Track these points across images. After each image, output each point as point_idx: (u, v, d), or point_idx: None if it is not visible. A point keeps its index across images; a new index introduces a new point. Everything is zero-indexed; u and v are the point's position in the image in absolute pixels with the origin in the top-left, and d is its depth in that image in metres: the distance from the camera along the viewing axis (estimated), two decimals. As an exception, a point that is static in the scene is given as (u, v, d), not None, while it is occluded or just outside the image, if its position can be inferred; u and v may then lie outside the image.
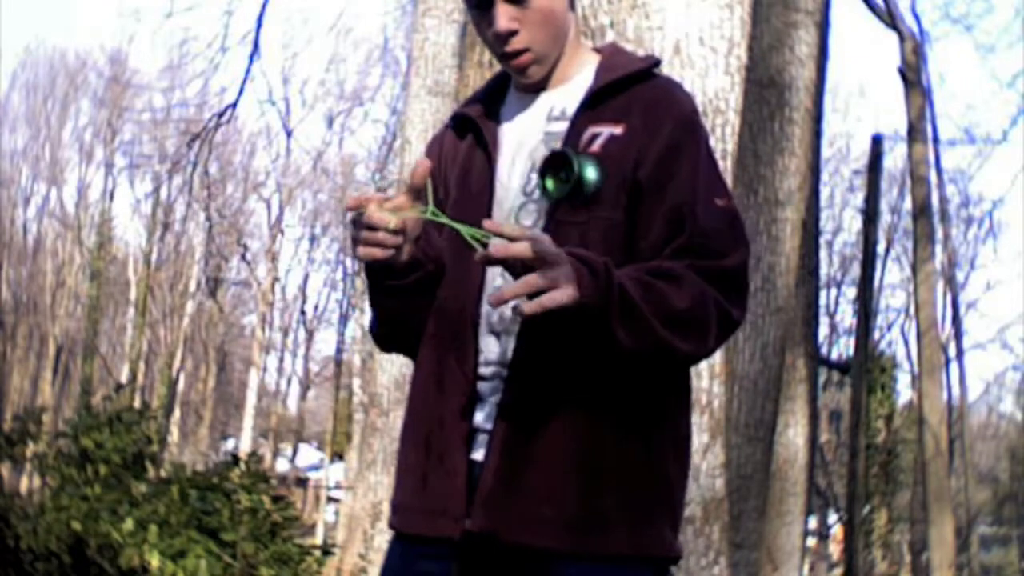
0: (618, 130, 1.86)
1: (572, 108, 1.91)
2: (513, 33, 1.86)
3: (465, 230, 1.70)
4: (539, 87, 1.96)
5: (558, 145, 1.88)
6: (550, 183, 1.73)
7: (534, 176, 1.88)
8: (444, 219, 1.77)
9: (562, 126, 1.90)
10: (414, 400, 1.94)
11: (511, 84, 2.01)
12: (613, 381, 1.80)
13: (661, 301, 1.73)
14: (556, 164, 1.73)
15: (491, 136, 1.94)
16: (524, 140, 1.92)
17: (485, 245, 1.65)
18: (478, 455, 1.83)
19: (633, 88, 1.91)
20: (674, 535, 1.87)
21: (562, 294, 1.61)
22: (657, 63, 1.99)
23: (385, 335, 2.03)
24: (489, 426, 1.83)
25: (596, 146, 1.86)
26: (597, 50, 2.03)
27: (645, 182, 1.84)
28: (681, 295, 1.74)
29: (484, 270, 1.88)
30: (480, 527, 1.78)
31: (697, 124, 1.93)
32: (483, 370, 1.86)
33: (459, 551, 1.81)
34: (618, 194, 1.84)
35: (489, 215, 1.89)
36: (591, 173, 1.72)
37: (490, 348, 1.86)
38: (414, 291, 1.89)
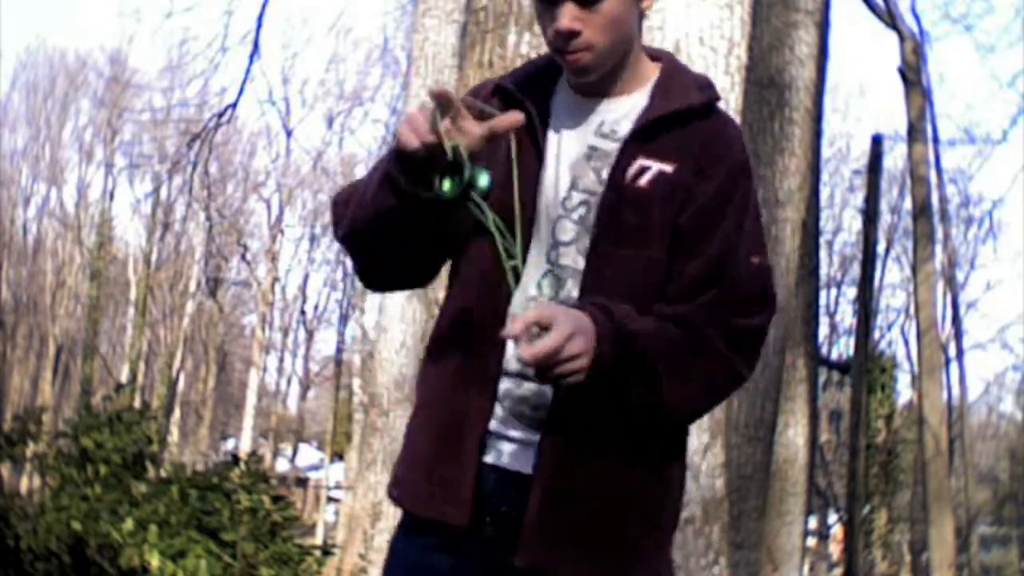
0: (669, 168, 1.84)
1: (623, 128, 1.88)
2: (575, 34, 1.82)
3: (500, 243, 1.79)
4: (593, 91, 1.91)
5: (601, 164, 1.87)
6: (446, 184, 1.75)
7: (575, 194, 1.87)
8: (490, 223, 1.80)
9: (609, 145, 1.87)
10: (431, 394, 1.95)
11: (563, 76, 1.96)
12: (636, 429, 1.86)
13: (680, 373, 1.81)
14: (453, 170, 1.75)
15: (542, 137, 1.90)
16: (569, 151, 1.90)
17: (515, 265, 1.78)
18: (490, 458, 1.87)
19: (688, 124, 1.88)
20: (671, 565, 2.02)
21: (577, 365, 1.69)
22: (717, 98, 1.95)
23: (370, 227, 1.90)
24: (504, 431, 1.87)
25: (644, 181, 1.84)
26: (655, 58, 1.98)
27: (686, 227, 1.84)
28: (698, 372, 1.82)
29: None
30: (527, 563, 1.84)
31: (747, 173, 1.91)
32: (505, 378, 1.88)
33: (463, 534, 1.86)
34: (663, 232, 1.83)
35: (533, 224, 1.88)
36: (483, 180, 1.74)
37: (513, 356, 1.87)
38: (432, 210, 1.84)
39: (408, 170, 1.79)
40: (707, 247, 1.83)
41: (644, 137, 1.86)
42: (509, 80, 1.98)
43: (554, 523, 1.83)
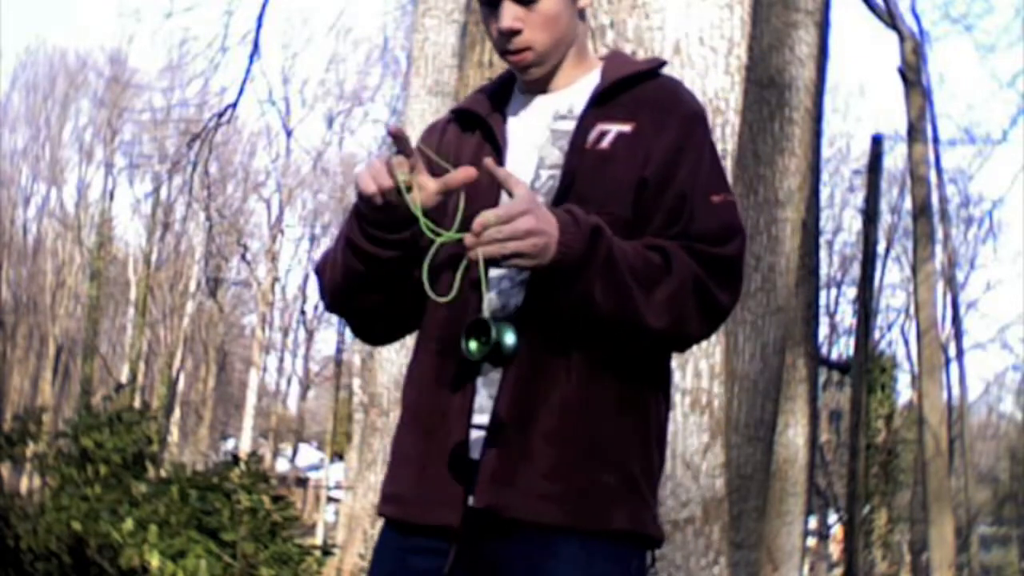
0: (627, 128, 1.92)
1: (579, 107, 1.96)
2: (516, 32, 1.92)
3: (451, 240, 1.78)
4: (542, 88, 2.01)
5: (565, 141, 1.93)
6: (472, 345, 1.75)
7: (543, 172, 1.93)
8: (444, 236, 1.80)
9: (569, 124, 1.95)
10: (412, 394, 1.96)
11: (516, 85, 2.05)
12: (608, 366, 1.85)
13: (646, 270, 1.79)
14: (478, 329, 1.75)
15: (501, 134, 1.98)
16: (531, 138, 1.97)
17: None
18: (476, 455, 1.85)
19: (639, 86, 1.98)
20: (657, 519, 1.95)
21: (527, 244, 1.68)
22: (662, 64, 2.05)
23: (345, 291, 1.97)
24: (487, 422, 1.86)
25: (605, 143, 1.91)
26: (601, 59, 2.08)
27: (651, 179, 1.89)
28: (667, 274, 1.80)
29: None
30: (485, 504, 1.81)
31: (701, 122, 1.98)
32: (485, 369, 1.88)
33: (456, 537, 1.83)
34: (628, 191, 1.89)
35: None
36: (509, 338, 1.73)
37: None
38: (401, 246, 1.88)
39: (369, 223, 1.86)
40: (669, 192, 1.89)
41: (600, 105, 1.95)
42: (462, 103, 2.09)
43: (511, 463, 1.81)
